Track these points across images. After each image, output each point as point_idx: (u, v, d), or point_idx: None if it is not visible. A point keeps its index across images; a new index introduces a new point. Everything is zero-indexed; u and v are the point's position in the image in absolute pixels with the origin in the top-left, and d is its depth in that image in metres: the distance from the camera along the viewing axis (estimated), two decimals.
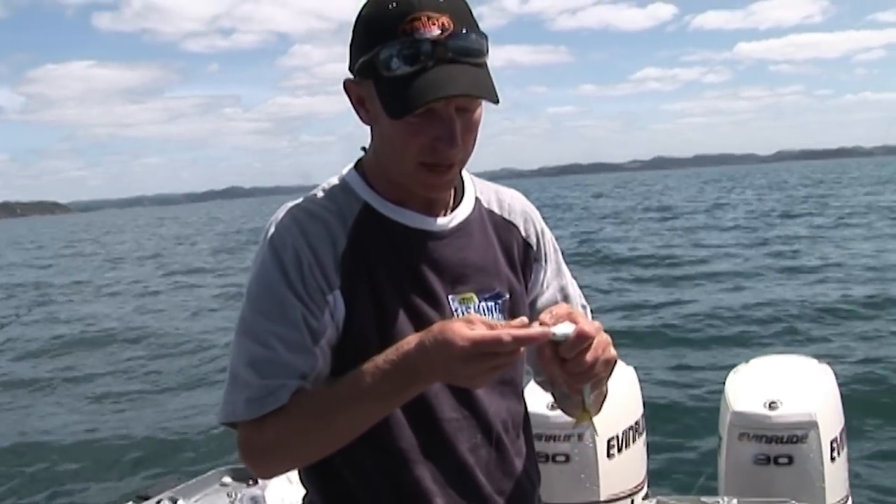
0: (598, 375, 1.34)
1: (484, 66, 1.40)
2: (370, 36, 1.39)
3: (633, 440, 3.08)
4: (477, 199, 1.62)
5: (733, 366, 3.33)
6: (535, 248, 1.67)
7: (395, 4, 1.36)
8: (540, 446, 2.84)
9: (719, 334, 10.01)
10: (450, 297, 1.51)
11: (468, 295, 1.53)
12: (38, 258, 39.84)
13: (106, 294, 21.28)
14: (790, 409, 2.89)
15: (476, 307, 1.53)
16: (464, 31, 1.37)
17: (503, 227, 1.64)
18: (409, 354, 1.31)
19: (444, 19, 1.35)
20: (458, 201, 1.59)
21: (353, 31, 1.44)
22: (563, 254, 1.75)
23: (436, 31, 1.34)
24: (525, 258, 1.65)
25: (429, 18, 1.35)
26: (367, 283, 1.45)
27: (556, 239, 1.74)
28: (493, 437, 1.55)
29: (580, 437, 2.90)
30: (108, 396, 9.81)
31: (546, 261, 1.69)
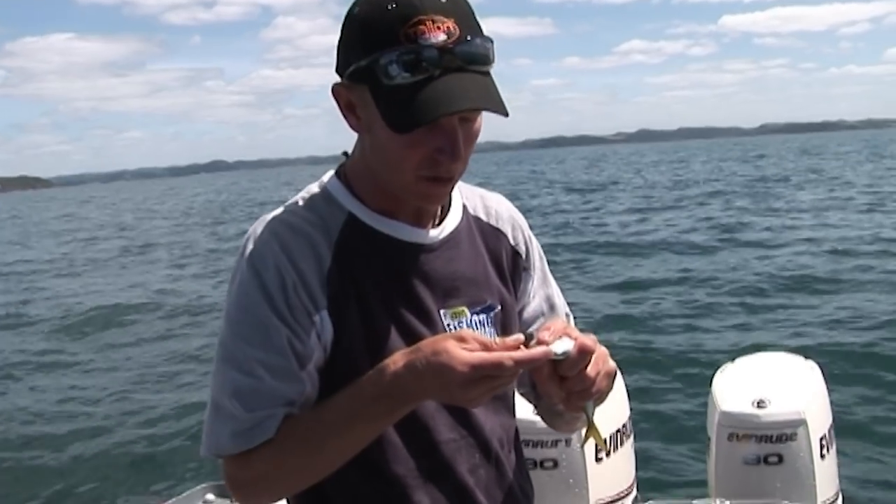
0: (600, 390, 1.30)
1: (490, 74, 1.32)
2: (367, 39, 1.28)
3: (621, 443, 3.07)
4: (464, 207, 1.55)
5: (719, 364, 3.31)
6: (523, 256, 1.61)
7: (394, 5, 1.26)
8: (528, 452, 2.78)
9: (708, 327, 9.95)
10: (441, 311, 1.45)
11: (460, 309, 1.47)
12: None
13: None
14: (779, 408, 2.88)
15: (468, 321, 1.47)
16: (469, 36, 1.28)
17: (491, 234, 1.57)
18: (400, 377, 1.25)
19: (450, 23, 1.26)
20: (445, 210, 1.51)
21: (344, 31, 1.34)
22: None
23: (441, 37, 1.25)
24: (514, 267, 1.59)
25: (433, 22, 1.25)
26: (356, 301, 1.38)
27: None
28: (491, 456, 1.51)
29: (567, 442, 2.87)
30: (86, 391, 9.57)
31: (533, 269, 1.63)
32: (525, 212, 1.71)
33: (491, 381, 1.21)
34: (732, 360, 3.35)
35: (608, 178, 48.04)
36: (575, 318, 1.72)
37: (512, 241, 1.60)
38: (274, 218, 1.42)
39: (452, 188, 1.43)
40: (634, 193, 33.39)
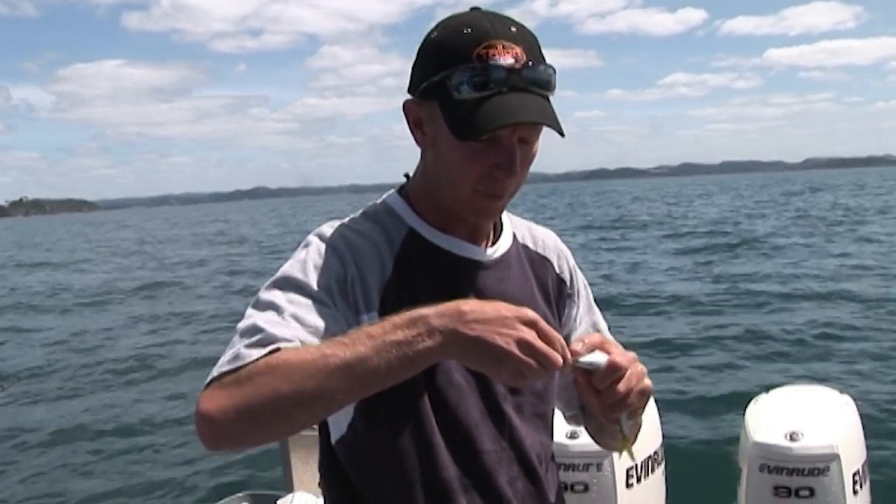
0: (632, 406, 1.34)
1: (549, 99, 1.40)
2: (441, 59, 1.38)
3: (653, 470, 3.07)
4: (514, 234, 1.64)
5: (754, 395, 3.30)
6: (568, 284, 1.69)
7: (469, 30, 1.37)
8: (559, 475, 2.84)
9: (744, 360, 9.84)
10: None
11: None
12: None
13: None
14: (812, 441, 2.86)
15: None
16: (534, 62, 1.37)
17: (538, 262, 1.65)
18: (439, 308, 1.22)
19: (518, 50, 1.36)
20: (498, 233, 1.60)
21: (420, 52, 1.44)
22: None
23: (510, 60, 1.34)
24: (559, 294, 1.67)
25: (504, 47, 1.35)
26: (409, 309, 1.40)
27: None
28: (529, 470, 1.56)
29: (599, 466, 2.89)
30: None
31: (578, 297, 1.71)
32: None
33: (531, 353, 1.19)
34: (767, 391, 3.34)
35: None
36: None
37: (557, 270, 1.68)
38: (341, 224, 1.49)
39: (504, 206, 1.49)
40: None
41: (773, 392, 3.32)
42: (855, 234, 25.53)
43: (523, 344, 1.19)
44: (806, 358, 9.65)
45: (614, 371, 1.30)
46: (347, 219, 1.51)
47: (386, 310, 1.37)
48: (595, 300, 1.77)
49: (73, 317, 17.99)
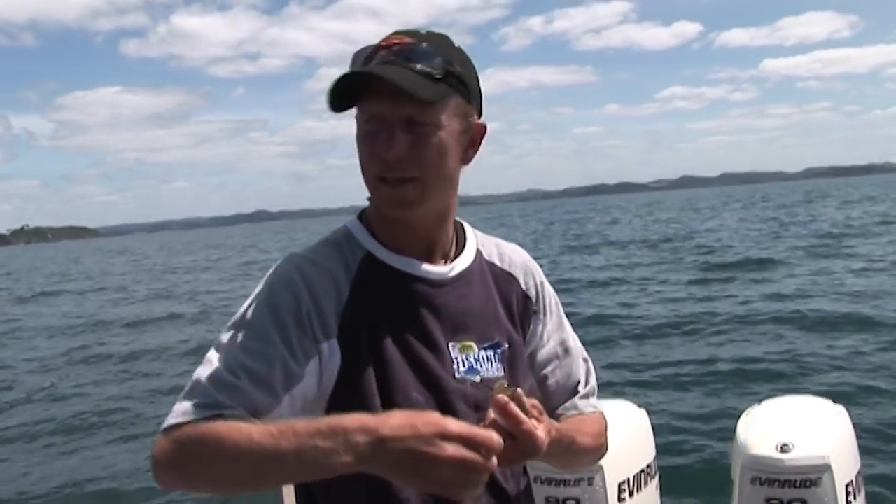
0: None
1: (428, 76, 1.41)
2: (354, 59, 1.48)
3: (646, 483, 3.06)
4: (478, 251, 1.65)
5: (746, 407, 3.30)
6: (534, 300, 1.70)
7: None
8: (549, 491, 2.84)
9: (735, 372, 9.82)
10: (450, 344, 1.53)
11: (468, 343, 1.55)
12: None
13: None
14: (803, 452, 2.85)
15: (476, 356, 1.55)
16: (424, 46, 1.42)
17: (503, 278, 1.67)
18: (362, 419, 1.20)
19: (409, 39, 1.42)
20: (458, 251, 1.61)
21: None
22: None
23: (395, 43, 1.42)
24: (524, 310, 1.68)
25: (397, 36, 1.43)
26: (367, 331, 1.46)
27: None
28: (492, 485, 1.54)
29: (590, 480, 2.88)
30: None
31: (545, 314, 1.71)
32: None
33: (461, 475, 1.16)
34: (759, 402, 3.33)
35: None
36: (593, 360, 1.79)
37: (523, 286, 1.69)
38: (299, 255, 1.52)
39: (412, 196, 1.47)
40: None
41: (765, 403, 3.31)
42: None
43: (450, 464, 1.14)
44: (799, 372, 9.60)
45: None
46: (307, 249, 1.55)
47: (344, 334, 1.43)
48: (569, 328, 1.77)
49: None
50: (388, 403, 1.42)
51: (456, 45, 1.48)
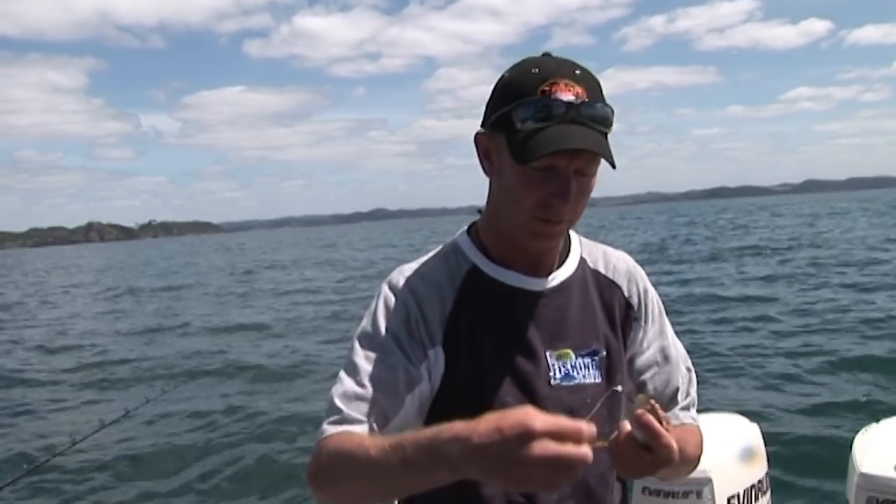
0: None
1: (606, 135, 1.51)
2: (509, 94, 1.51)
3: (756, 499, 3.03)
4: (582, 259, 1.73)
5: (862, 425, 3.23)
6: (636, 307, 1.75)
7: (537, 70, 1.50)
8: (656, 502, 2.85)
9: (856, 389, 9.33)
10: (547, 352, 1.61)
11: (565, 351, 1.63)
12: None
13: None
14: None
15: (573, 363, 1.62)
16: (594, 101, 1.49)
17: (606, 286, 1.74)
18: (455, 427, 1.21)
19: (580, 89, 1.48)
20: (561, 262, 1.69)
21: (493, 92, 1.57)
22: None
23: (571, 96, 1.47)
24: (626, 317, 1.74)
25: (566, 85, 1.48)
26: (468, 340, 1.58)
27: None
28: (583, 489, 1.61)
29: (699, 494, 2.88)
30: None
31: (647, 321, 1.77)
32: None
33: (556, 473, 1.13)
34: (877, 420, 3.26)
35: None
36: (697, 373, 1.81)
37: (626, 294, 1.75)
38: (408, 268, 1.66)
39: (561, 233, 1.60)
40: None
41: (883, 422, 3.23)
42: None
43: (539, 464, 1.11)
44: None
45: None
46: (417, 262, 1.67)
47: (448, 342, 1.56)
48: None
49: None
50: (484, 408, 1.48)
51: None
